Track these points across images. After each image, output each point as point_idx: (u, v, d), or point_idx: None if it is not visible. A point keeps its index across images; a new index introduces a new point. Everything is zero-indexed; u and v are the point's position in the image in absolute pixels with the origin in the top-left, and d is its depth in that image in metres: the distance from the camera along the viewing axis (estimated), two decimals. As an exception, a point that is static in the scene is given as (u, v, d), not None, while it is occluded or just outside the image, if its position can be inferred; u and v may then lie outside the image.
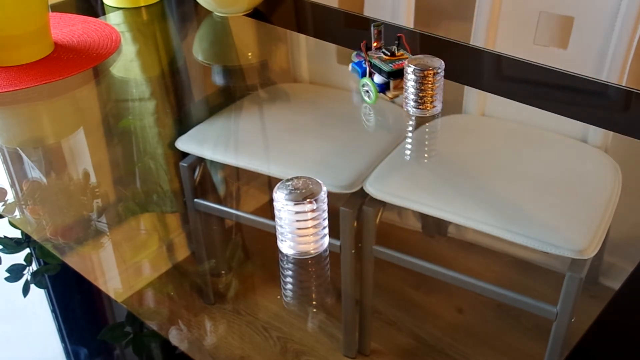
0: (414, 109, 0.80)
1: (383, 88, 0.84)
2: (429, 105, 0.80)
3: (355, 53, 0.88)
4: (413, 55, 0.82)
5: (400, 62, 0.82)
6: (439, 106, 0.81)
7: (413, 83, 0.79)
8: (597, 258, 0.62)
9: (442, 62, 0.79)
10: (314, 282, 0.61)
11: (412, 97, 0.80)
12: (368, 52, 0.85)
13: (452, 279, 0.61)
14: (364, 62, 0.85)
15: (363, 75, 0.85)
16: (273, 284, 0.61)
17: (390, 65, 0.82)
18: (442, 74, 0.79)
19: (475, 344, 0.54)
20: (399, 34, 0.85)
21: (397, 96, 0.84)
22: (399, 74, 0.82)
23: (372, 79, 0.84)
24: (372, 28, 0.84)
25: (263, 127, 0.85)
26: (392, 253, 0.64)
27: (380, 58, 0.83)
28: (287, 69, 1.03)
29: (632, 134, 0.78)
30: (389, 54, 0.84)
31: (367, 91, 0.84)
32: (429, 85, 0.79)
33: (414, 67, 0.78)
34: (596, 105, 0.87)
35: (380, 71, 0.83)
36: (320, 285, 0.61)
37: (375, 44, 0.85)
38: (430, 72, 0.78)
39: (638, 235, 0.66)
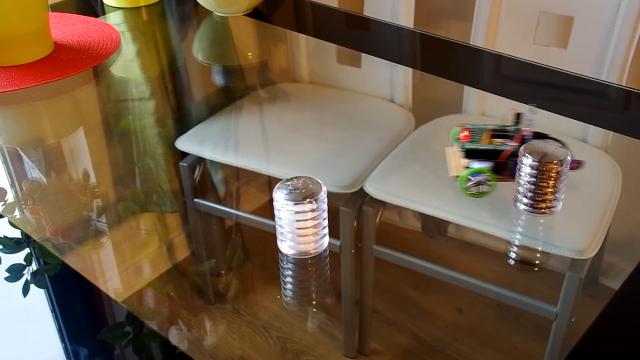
0: (527, 207, 0.64)
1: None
2: (545, 205, 0.63)
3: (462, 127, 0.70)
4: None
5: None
6: (558, 206, 0.64)
7: (528, 177, 0.63)
8: (597, 258, 0.62)
9: (568, 151, 0.63)
10: (313, 282, 0.61)
11: (525, 192, 0.64)
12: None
13: (452, 279, 0.61)
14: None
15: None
16: (273, 284, 0.61)
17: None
18: (568, 167, 0.62)
19: (475, 344, 0.54)
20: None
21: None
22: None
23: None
24: (530, 111, 0.69)
25: (263, 127, 0.85)
26: (392, 253, 0.64)
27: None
28: (287, 69, 1.03)
29: (632, 134, 0.78)
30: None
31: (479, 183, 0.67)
32: (550, 182, 0.62)
33: (530, 157, 0.62)
34: (596, 105, 0.87)
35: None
36: (320, 285, 0.61)
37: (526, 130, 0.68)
38: (553, 167, 0.61)
39: (638, 235, 0.66)
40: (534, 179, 0.62)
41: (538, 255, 0.63)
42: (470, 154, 0.67)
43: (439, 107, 0.89)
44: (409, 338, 0.55)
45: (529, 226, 0.65)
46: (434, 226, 0.69)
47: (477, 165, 0.67)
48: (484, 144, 0.67)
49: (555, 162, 0.61)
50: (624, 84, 1.09)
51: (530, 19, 1.22)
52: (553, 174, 0.62)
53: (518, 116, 0.68)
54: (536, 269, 0.62)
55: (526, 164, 0.62)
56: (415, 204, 0.69)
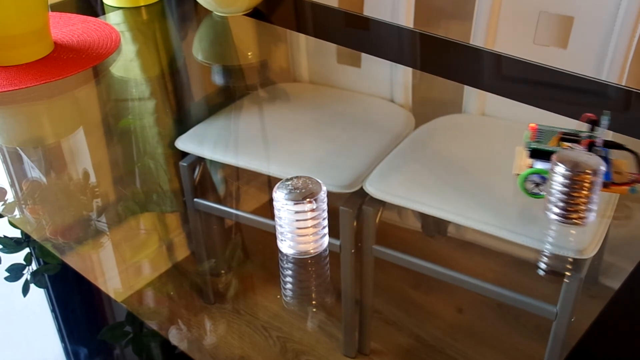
0: (557, 217, 0.63)
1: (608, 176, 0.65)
2: (577, 215, 0.62)
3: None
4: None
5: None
6: (591, 216, 0.63)
7: (560, 186, 0.61)
8: (597, 258, 0.62)
9: (601, 160, 0.61)
10: (313, 282, 0.61)
11: (556, 201, 0.62)
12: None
13: (452, 278, 0.61)
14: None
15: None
16: (273, 284, 0.61)
17: None
18: (602, 177, 0.61)
19: (475, 344, 0.54)
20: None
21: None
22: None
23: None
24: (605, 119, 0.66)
25: (263, 126, 0.85)
26: (392, 253, 0.64)
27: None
28: (286, 69, 1.03)
29: (632, 134, 0.78)
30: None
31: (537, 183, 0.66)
32: (582, 192, 0.61)
33: (562, 166, 0.60)
34: (596, 105, 0.87)
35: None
36: (320, 285, 0.61)
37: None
38: (586, 176, 0.60)
39: (638, 235, 0.66)
40: (566, 189, 0.61)
41: (538, 255, 0.63)
42: (535, 154, 0.66)
43: (439, 107, 0.89)
44: (409, 338, 0.55)
45: (529, 226, 0.65)
46: (434, 226, 0.69)
47: (540, 165, 0.66)
48: (550, 146, 0.66)
49: (588, 171, 0.59)
50: (624, 84, 1.09)
51: (530, 19, 1.22)
52: (586, 184, 0.60)
53: (593, 122, 0.67)
54: (536, 269, 0.62)
55: (558, 173, 0.61)
56: (415, 204, 0.69)
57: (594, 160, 0.60)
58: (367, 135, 0.81)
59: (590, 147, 0.65)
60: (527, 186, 0.66)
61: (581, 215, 0.62)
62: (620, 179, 0.65)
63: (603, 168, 0.60)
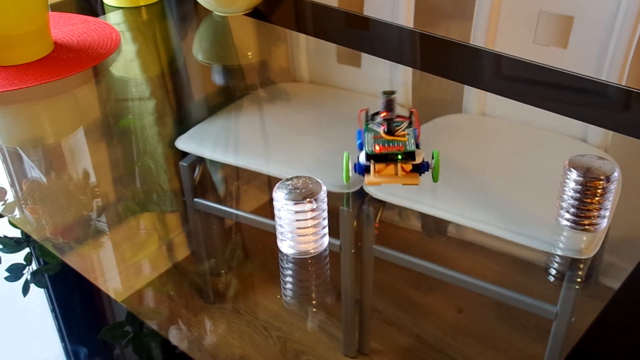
0: (570, 224, 0.62)
1: (363, 170, 0.66)
2: (589, 222, 0.61)
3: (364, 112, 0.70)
4: (419, 143, 0.67)
5: (393, 144, 0.65)
6: (603, 223, 0.62)
7: (571, 193, 0.60)
8: (597, 258, 0.62)
9: (617, 166, 0.60)
10: (313, 282, 0.61)
11: (568, 207, 0.61)
12: (369, 121, 0.69)
13: (452, 278, 0.61)
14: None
15: (360, 147, 0.68)
16: (273, 284, 0.61)
17: (376, 144, 0.65)
18: (615, 184, 0.59)
19: (475, 343, 0.54)
20: (411, 109, 0.70)
21: (375, 184, 0.67)
22: (382, 159, 0.65)
23: (358, 156, 0.68)
24: (380, 95, 0.67)
25: (263, 126, 0.85)
26: (392, 253, 0.64)
27: (375, 132, 0.67)
28: (286, 69, 1.03)
29: (632, 134, 0.78)
30: (387, 131, 0.67)
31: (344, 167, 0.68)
32: (595, 199, 0.59)
33: (575, 172, 0.59)
34: (596, 105, 0.87)
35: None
36: (320, 285, 0.61)
37: (383, 114, 0.67)
38: (599, 183, 0.59)
39: (638, 235, 0.66)
40: (577, 194, 0.60)
41: (538, 255, 0.63)
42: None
43: (439, 107, 0.89)
44: (409, 338, 0.55)
45: (529, 226, 0.65)
46: (434, 226, 0.69)
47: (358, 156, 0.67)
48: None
49: (601, 177, 0.58)
50: (624, 84, 1.09)
51: (530, 19, 1.22)
52: (599, 190, 0.59)
53: (388, 103, 0.67)
54: (536, 269, 0.62)
55: (570, 179, 0.60)
56: (415, 204, 0.69)
57: (607, 167, 0.59)
58: (367, 135, 0.80)
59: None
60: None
61: (593, 221, 0.61)
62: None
63: (617, 174, 0.59)
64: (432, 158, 0.66)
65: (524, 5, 1.23)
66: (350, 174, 0.67)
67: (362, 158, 0.67)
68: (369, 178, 0.66)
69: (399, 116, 0.68)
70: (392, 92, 0.67)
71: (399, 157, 0.65)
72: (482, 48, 1.07)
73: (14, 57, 0.95)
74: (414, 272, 0.63)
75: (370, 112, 0.70)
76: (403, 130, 0.67)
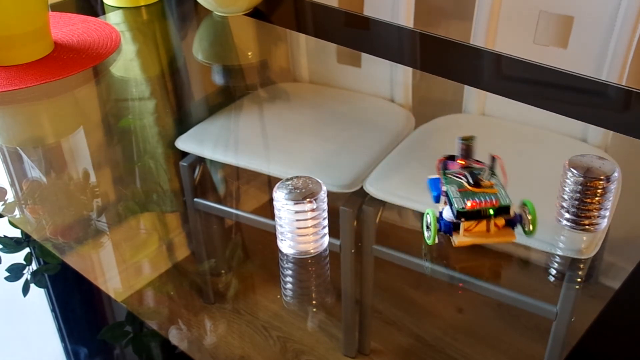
0: (570, 224, 0.61)
1: (449, 228, 0.60)
2: (589, 222, 0.61)
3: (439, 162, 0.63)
4: (507, 186, 0.60)
5: (484, 199, 0.58)
6: (603, 223, 0.62)
7: (571, 193, 0.60)
8: (597, 258, 0.62)
9: (617, 166, 0.59)
10: (313, 282, 0.61)
11: (568, 207, 0.61)
12: (447, 172, 0.62)
13: (452, 278, 0.61)
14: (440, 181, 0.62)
15: (436, 200, 0.62)
16: (273, 284, 0.61)
17: (466, 200, 0.59)
18: (615, 183, 0.59)
19: (475, 343, 0.54)
20: (493, 155, 0.62)
21: (467, 245, 0.60)
22: (474, 216, 0.58)
23: (442, 212, 0.61)
24: (458, 142, 0.61)
25: (263, 126, 0.85)
26: (392, 252, 0.64)
27: (459, 184, 0.60)
28: (286, 69, 1.03)
29: (632, 134, 0.78)
30: (472, 182, 0.60)
31: (427, 225, 0.61)
32: (595, 199, 0.59)
33: (575, 172, 0.59)
34: (596, 105, 0.87)
35: (450, 205, 0.60)
36: (320, 285, 0.61)
37: (461, 162, 0.62)
38: (599, 183, 0.58)
39: (638, 235, 0.66)
40: (577, 194, 0.60)
41: (538, 255, 0.63)
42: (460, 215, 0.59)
43: (439, 107, 0.89)
44: (409, 338, 0.55)
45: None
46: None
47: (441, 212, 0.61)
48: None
49: (601, 177, 0.58)
50: (624, 84, 1.09)
51: (530, 19, 1.22)
52: (599, 190, 0.59)
53: (466, 149, 0.62)
54: (536, 269, 0.62)
55: (570, 179, 0.59)
56: (415, 204, 0.69)
57: (607, 167, 0.59)
58: (367, 135, 0.81)
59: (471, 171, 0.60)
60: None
61: (593, 221, 0.61)
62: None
63: (617, 174, 0.59)
64: (524, 208, 0.60)
65: (524, 5, 1.23)
66: (427, 234, 0.61)
67: (448, 214, 0.60)
68: (459, 238, 0.59)
69: (476, 161, 0.62)
70: (471, 138, 0.61)
71: (491, 212, 0.58)
72: (482, 48, 1.07)
73: (14, 57, 0.95)
74: (414, 272, 0.63)
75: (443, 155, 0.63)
76: (487, 179, 0.60)
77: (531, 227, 0.59)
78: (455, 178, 0.61)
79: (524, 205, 0.60)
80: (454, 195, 0.59)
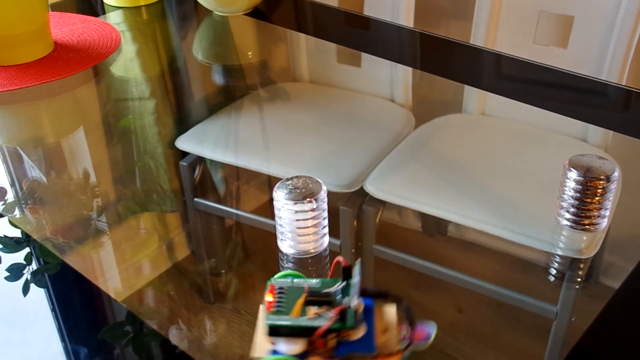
0: (570, 224, 0.62)
1: None
2: (589, 222, 0.61)
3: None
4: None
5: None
6: (603, 223, 0.62)
7: (571, 193, 0.60)
8: (597, 258, 0.62)
9: (617, 166, 0.59)
10: (314, 282, 0.61)
11: (568, 207, 0.61)
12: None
13: (452, 278, 0.61)
14: None
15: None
16: (273, 284, 0.61)
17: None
18: (615, 183, 0.59)
19: (475, 343, 0.54)
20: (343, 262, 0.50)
21: None
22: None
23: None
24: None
25: (263, 126, 0.85)
26: (392, 252, 0.64)
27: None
28: (287, 69, 1.03)
29: (632, 133, 0.78)
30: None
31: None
32: (596, 199, 0.59)
33: (575, 171, 0.59)
34: (596, 104, 0.87)
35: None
36: (320, 285, 0.60)
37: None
38: (599, 183, 0.58)
39: (638, 235, 0.66)
40: (577, 194, 0.59)
41: (538, 254, 0.63)
42: (275, 332, 0.47)
43: (439, 107, 0.89)
44: (409, 338, 0.55)
45: (529, 226, 0.65)
46: (434, 225, 0.69)
47: (283, 348, 0.46)
48: (293, 317, 0.47)
49: (601, 177, 0.58)
50: (624, 84, 1.09)
51: (530, 19, 1.22)
52: (599, 190, 0.59)
53: (346, 271, 0.49)
54: (536, 269, 0.62)
55: (570, 178, 0.59)
56: (415, 203, 0.69)
57: (608, 166, 0.59)
58: (367, 135, 0.81)
59: (343, 313, 0.46)
60: None
61: (593, 221, 0.61)
62: (388, 347, 0.47)
63: (617, 174, 0.58)
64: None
65: (524, 5, 1.23)
66: None
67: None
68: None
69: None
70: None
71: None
72: (482, 48, 1.07)
73: (14, 57, 0.95)
74: (414, 272, 0.63)
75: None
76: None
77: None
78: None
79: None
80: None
